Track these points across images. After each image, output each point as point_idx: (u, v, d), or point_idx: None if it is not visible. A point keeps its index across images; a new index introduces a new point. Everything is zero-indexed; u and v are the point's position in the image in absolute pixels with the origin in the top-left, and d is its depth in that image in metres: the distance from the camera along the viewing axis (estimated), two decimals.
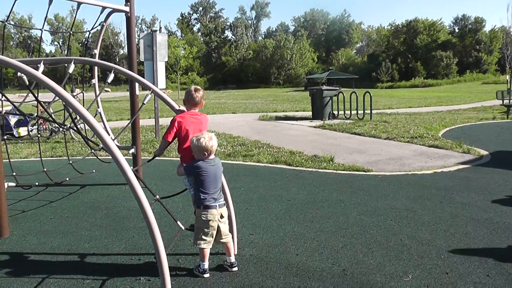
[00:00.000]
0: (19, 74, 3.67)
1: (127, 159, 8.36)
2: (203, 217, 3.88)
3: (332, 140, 12.62)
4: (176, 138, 4.15)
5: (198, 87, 4.36)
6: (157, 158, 4.60)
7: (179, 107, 4.55)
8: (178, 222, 4.27)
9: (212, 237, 3.93)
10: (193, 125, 4.14)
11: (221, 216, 3.93)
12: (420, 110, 23.48)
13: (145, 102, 4.71)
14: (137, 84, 7.41)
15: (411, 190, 6.88)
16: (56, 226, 5.42)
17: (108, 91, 69.74)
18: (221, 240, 4.01)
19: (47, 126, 13.66)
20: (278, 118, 19.62)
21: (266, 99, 39.16)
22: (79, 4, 6.50)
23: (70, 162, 7.68)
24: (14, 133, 13.45)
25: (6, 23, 6.19)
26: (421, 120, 17.09)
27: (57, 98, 3.50)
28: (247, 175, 8.15)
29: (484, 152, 10.05)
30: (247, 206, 6.13)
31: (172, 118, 4.14)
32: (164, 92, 5.54)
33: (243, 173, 8.27)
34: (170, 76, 50.43)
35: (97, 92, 8.55)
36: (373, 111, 19.83)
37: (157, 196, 4.19)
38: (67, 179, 7.31)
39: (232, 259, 4.11)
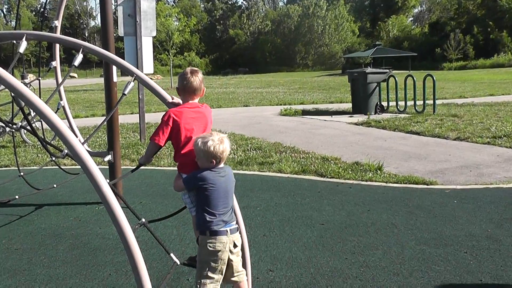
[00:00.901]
0: None
1: (102, 170, 8.42)
2: (210, 246, 3.85)
3: (380, 141, 12.55)
4: (171, 141, 4.13)
5: (196, 68, 4.35)
6: (142, 167, 4.60)
7: (173, 98, 4.55)
8: (172, 255, 4.26)
9: (222, 273, 3.90)
10: (195, 122, 4.10)
11: (234, 245, 3.91)
12: (507, 99, 23.24)
13: (126, 93, 4.73)
14: (114, 68, 7.46)
15: (494, 211, 6.81)
16: (1, 262, 5.47)
17: (74, 77, 70.59)
18: (232, 279, 3.99)
19: None
20: (306, 113, 19.62)
21: (289, 86, 39.22)
22: None
23: (21, 174, 7.68)
24: None
25: None
26: (507, 114, 16.92)
27: (1, 87, 3.52)
28: (265, 189, 8.15)
29: None
30: (265, 232, 6.13)
31: (164, 113, 4.11)
32: (152, 79, 5.58)
33: (260, 187, 8.28)
34: (160, 57, 50.75)
35: (59, 79, 8.63)
36: (438, 102, 19.70)
37: (143, 220, 4.18)
38: (16, 197, 7.36)
39: None
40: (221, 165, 3.92)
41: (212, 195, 3.81)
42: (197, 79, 4.23)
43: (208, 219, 3.82)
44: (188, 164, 4.00)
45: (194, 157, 3.96)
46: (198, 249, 3.99)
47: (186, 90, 4.20)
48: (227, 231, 3.85)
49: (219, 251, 3.83)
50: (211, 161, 3.85)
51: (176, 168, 4.15)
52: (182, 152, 4.05)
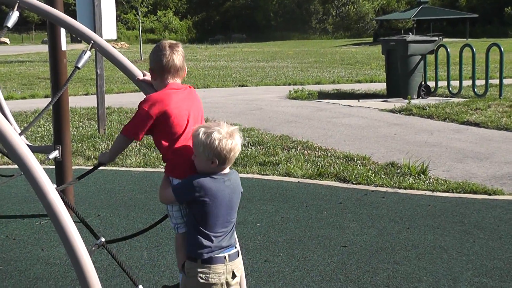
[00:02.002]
0: None
1: (46, 170, 8.43)
2: (201, 278, 3.85)
3: (424, 135, 12.59)
4: (154, 136, 4.19)
5: (175, 42, 4.38)
6: (102, 167, 4.62)
7: (145, 75, 4.58)
8: (141, 287, 4.29)
9: None
10: (188, 107, 4.17)
11: (233, 275, 3.93)
12: None
13: (79, 66, 4.75)
14: (63, 32, 7.46)
15: None
16: None
17: (5, 43, 70.51)
18: None
19: None
20: (323, 96, 19.64)
21: (302, 60, 39.23)
22: None
23: None
24: None
25: None
26: None
27: None
28: (268, 199, 8.19)
29: None
30: (267, 257, 6.16)
31: (144, 98, 4.14)
32: (115, 47, 5.61)
33: (261, 196, 8.33)
34: (125, 18, 50.66)
35: None
36: (506, 81, 19.70)
37: (102, 239, 4.22)
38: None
39: None
40: (227, 170, 3.92)
41: (211, 211, 3.80)
42: (179, 55, 4.28)
43: (203, 242, 3.82)
44: (181, 165, 4.04)
45: (190, 154, 3.98)
46: (181, 279, 4.02)
47: (165, 69, 4.23)
48: (225, 258, 3.86)
49: (213, 284, 3.85)
50: (213, 160, 3.84)
51: (164, 171, 4.18)
52: (174, 147, 4.09)
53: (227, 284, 3.87)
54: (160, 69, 4.21)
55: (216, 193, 3.80)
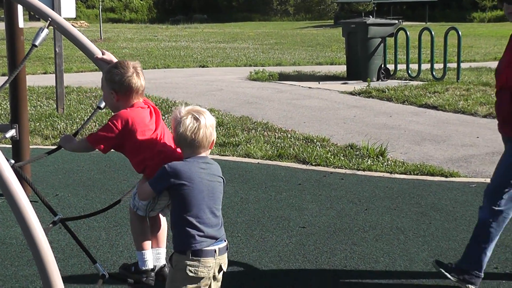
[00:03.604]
0: None
1: (3, 149, 8.34)
2: (190, 270, 3.82)
3: (383, 118, 12.68)
4: (125, 153, 4.28)
5: (137, 64, 4.42)
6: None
7: (103, 54, 4.58)
8: (98, 265, 4.28)
9: None
10: (154, 125, 4.29)
11: (219, 269, 3.90)
12: None
13: (37, 44, 4.70)
14: (20, 9, 7.37)
15: None
16: None
17: None
18: None
19: None
20: (284, 77, 19.65)
21: (262, 41, 39.17)
22: None
23: None
24: None
25: None
26: None
27: None
28: (227, 180, 8.08)
29: None
30: (226, 237, 6.14)
31: (114, 114, 4.21)
32: (74, 26, 5.55)
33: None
34: None
35: None
36: (463, 65, 19.92)
37: (60, 216, 4.19)
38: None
39: None
40: (204, 153, 3.91)
41: (191, 195, 3.75)
42: (142, 75, 4.37)
43: (189, 232, 3.78)
44: (154, 169, 4.11)
45: (165, 161, 4.02)
46: (169, 272, 4.00)
47: (131, 91, 4.31)
48: (215, 251, 3.82)
49: (202, 278, 3.82)
50: (190, 145, 3.85)
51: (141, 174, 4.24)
52: (142, 157, 4.18)
53: (214, 277, 3.85)
54: (126, 91, 4.27)
55: (191, 175, 3.77)
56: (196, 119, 3.80)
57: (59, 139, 4.56)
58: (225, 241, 3.93)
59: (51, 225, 4.09)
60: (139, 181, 4.14)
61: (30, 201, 3.17)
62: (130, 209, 4.40)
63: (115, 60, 4.46)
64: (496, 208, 4.89)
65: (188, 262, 3.76)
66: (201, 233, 3.76)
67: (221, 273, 3.92)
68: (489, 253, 4.98)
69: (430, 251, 5.83)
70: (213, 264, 3.81)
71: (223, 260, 3.89)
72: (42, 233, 3.28)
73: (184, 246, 3.78)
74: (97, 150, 4.23)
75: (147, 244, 4.49)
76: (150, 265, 4.50)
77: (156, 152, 4.16)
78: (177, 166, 3.80)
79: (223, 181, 3.98)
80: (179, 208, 3.80)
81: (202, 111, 3.87)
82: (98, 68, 4.50)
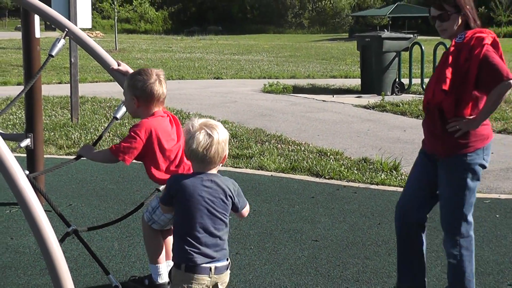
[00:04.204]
0: None
1: (18, 158, 8.35)
2: (184, 286, 3.82)
3: (397, 132, 12.64)
4: (145, 163, 4.32)
5: (160, 72, 4.45)
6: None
7: (119, 65, 4.61)
8: (111, 277, 4.28)
9: None
10: (175, 135, 4.42)
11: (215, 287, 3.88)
12: None
13: (53, 54, 4.72)
14: (37, 19, 7.40)
15: None
16: None
17: None
18: None
19: None
20: (298, 90, 19.64)
21: (277, 54, 39.22)
22: None
23: None
24: None
25: None
26: None
27: None
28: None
29: None
30: (238, 250, 6.15)
31: (136, 124, 4.23)
32: (90, 36, 5.57)
33: None
34: (101, 7, 50.43)
35: None
36: None
37: (73, 227, 4.20)
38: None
39: None
40: (213, 170, 3.83)
41: (187, 211, 3.74)
42: (164, 83, 4.41)
43: (183, 247, 3.75)
44: None
45: (186, 168, 4.05)
46: (170, 286, 4.01)
47: (153, 99, 4.36)
48: (210, 269, 3.78)
49: None
50: (191, 159, 3.82)
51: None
52: (165, 167, 4.22)
53: None
54: (148, 98, 4.31)
55: (192, 192, 3.73)
56: (209, 135, 3.72)
57: (78, 149, 4.62)
58: (227, 260, 3.88)
59: (65, 236, 4.09)
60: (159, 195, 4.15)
61: (44, 210, 3.18)
62: (143, 222, 4.40)
63: (131, 71, 4.49)
64: (463, 239, 4.87)
65: (182, 278, 3.77)
66: (196, 250, 3.74)
67: None
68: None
69: (443, 267, 5.79)
70: (208, 282, 3.78)
71: (220, 280, 3.86)
72: (56, 243, 3.29)
73: (179, 260, 3.79)
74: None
75: (162, 257, 4.49)
76: (165, 278, 4.51)
77: (178, 163, 4.18)
78: (180, 179, 3.78)
79: (232, 199, 3.85)
80: (177, 222, 3.83)
81: (215, 126, 3.79)
82: (114, 79, 4.51)
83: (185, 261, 3.75)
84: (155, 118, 4.31)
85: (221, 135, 3.76)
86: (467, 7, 4.65)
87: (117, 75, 4.51)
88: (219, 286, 3.86)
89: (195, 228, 3.74)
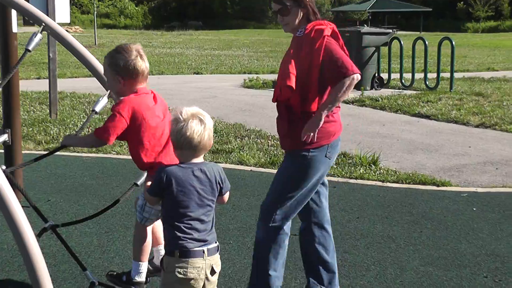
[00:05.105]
0: None
1: None
2: (179, 272, 3.81)
3: (376, 126, 12.69)
4: (128, 141, 4.26)
5: (139, 46, 4.41)
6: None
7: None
8: (88, 272, 4.28)
9: None
10: (160, 113, 4.32)
11: (212, 271, 3.88)
12: None
13: (30, 48, 4.70)
14: (14, 13, 7.37)
15: None
16: None
17: None
18: None
19: None
20: None
21: (257, 49, 39.20)
22: None
23: None
24: None
25: None
26: None
27: None
28: None
29: None
30: (219, 243, 6.13)
31: (118, 102, 4.16)
32: (68, 31, 5.55)
33: None
34: (80, 2, 50.18)
35: None
36: (457, 75, 19.93)
37: (51, 222, 4.19)
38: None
39: None
40: (199, 159, 3.87)
41: (180, 201, 3.76)
42: (146, 58, 4.34)
43: (176, 234, 3.76)
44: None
45: (171, 158, 4.02)
46: (161, 275, 3.99)
47: (136, 75, 4.28)
48: (203, 252, 3.81)
49: (192, 279, 3.81)
50: (178, 147, 3.81)
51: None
52: (150, 146, 4.17)
53: (207, 279, 3.83)
54: (132, 74, 4.23)
55: (184, 182, 3.75)
56: (202, 121, 3.77)
57: (57, 145, 4.56)
58: (216, 242, 3.91)
59: (42, 231, 4.08)
60: (143, 190, 4.11)
61: (22, 206, 3.17)
62: (136, 223, 4.38)
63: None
64: (271, 225, 4.72)
65: (177, 264, 3.76)
66: (189, 236, 3.76)
67: (215, 275, 3.89)
68: (278, 273, 4.85)
69: (421, 260, 5.84)
70: (203, 265, 3.79)
71: (214, 261, 3.87)
72: (34, 239, 3.28)
73: (172, 246, 3.79)
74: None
75: (146, 256, 4.48)
76: (143, 277, 4.49)
77: (166, 142, 4.13)
78: (171, 171, 3.77)
79: (222, 185, 3.92)
80: (168, 212, 3.81)
81: (204, 113, 3.85)
82: (92, 74, 4.48)
83: (178, 247, 3.76)
84: (139, 96, 4.24)
85: (211, 122, 3.83)
86: (307, 0, 4.60)
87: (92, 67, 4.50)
88: (214, 268, 3.86)
89: (187, 217, 3.76)
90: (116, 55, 4.26)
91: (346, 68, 4.42)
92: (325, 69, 4.46)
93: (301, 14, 4.61)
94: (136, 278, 4.50)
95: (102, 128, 4.11)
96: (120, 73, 4.23)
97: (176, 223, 3.76)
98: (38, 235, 3.56)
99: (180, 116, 3.75)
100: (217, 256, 3.90)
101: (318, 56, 4.46)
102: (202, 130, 3.74)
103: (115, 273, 4.74)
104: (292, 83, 4.47)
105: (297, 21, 4.63)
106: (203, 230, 3.81)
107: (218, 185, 3.89)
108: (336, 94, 4.49)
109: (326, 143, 4.63)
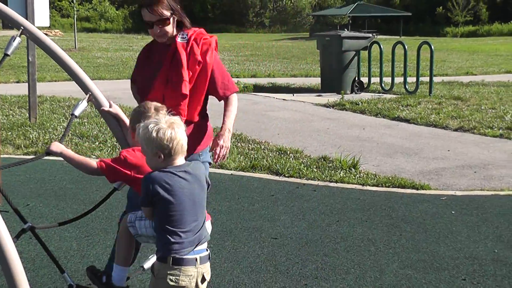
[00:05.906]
0: None
1: None
2: (171, 280, 3.78)
3: (356, 130, 12.73)
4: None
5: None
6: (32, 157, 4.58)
7: (111, 106, 4.58)
8: (66, 275, 4.26)
9: None
10: None
11: (202, 279, 3.87)
12: None
13: (9, 53, 4.67)
14: None
15: (504, 226, 7.01)
16: None
17: None
18: None
19: None
20: (258, 89, 19.69)
21: (238, 53, 39.21)
22: None
23: None
24: None
25: None
26: None
27: None
28: None
29: None
30: None
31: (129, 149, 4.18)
32: (47, 35, 5.52)
33: None
34: (59, 5, 49.96)
35: None
36: (436, 79, 20.06)
37: (29, 224, 4.17)
38: None
39: None
40: (180, 160, 3.83)
41: (173, 208, 3.71)
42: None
43: (169, 240, 3.72)
44: None
45: None
46: (151, 280, 3.97)
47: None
48: (196, 260, 3.78)
49: (183, 287, 3.78)
50: (158, 154, 3.75)
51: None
52: None
53: (197, 287, 3.81)
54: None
55: (172, 186, 3.71)
56: (171, 127, 3.72)
57: (36, 149, 4.51)
58: (207, 250, 3.88)
59: (20, 233, 4.06)
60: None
61: (0, 211, 3.14)
62: (122, 222, 4.34)
63: (122, 114, 4.44)
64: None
65: (169, 271, 3.72)
66: (182, 240, 3.72)
67: (205, 283, 3.87)
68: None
69: (400, 263, 5.86)
70: (194, 273, 3.77)
71: (205, 269, 3.85)
72: (11, 242, 3.26)
73: (164, 253, 3.75)
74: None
75: (128, 261, 4.45)
76: (123, 283, 4.47)
77: None
78: (156, 178, 3.71)
79: (207, 183, 3.95)
80: (160, 217, 3.76)
81: (175, 121, 3.79)
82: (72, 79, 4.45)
83: (171, 254, 3.72)
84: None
85: (182, 130, 3.78)
86: (178, 7, 4.79)
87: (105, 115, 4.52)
88: (205, 276, 3.85)
89: (179, 221, 3.73)
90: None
91: (233, 84, 4.99)
92: (215, 83, 5.06)
93: (174, 22, 4.90)
94: (116, 283, 4.48)
95: (109, 166, 4.06)
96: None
97: (169, 227, 3.72)
98: (16, 237, 3.53)
99: (156, 124, 3.72)
100: (208, 264, 3.88)
101: (208, 68, 4.95)
102: (174, 133, 3.71)
103: (98, 273, 4.70)
104: (187, 90, 4.79)
105: (174, 29, 4.89)
106: (196, 232, 3.79)
107: (206, 183, 3.92)
108: (234, 108, 5.31)
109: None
